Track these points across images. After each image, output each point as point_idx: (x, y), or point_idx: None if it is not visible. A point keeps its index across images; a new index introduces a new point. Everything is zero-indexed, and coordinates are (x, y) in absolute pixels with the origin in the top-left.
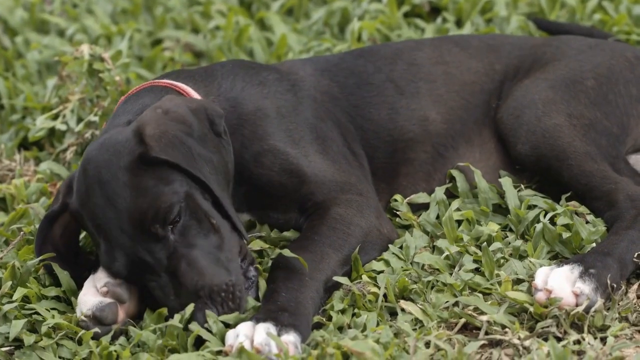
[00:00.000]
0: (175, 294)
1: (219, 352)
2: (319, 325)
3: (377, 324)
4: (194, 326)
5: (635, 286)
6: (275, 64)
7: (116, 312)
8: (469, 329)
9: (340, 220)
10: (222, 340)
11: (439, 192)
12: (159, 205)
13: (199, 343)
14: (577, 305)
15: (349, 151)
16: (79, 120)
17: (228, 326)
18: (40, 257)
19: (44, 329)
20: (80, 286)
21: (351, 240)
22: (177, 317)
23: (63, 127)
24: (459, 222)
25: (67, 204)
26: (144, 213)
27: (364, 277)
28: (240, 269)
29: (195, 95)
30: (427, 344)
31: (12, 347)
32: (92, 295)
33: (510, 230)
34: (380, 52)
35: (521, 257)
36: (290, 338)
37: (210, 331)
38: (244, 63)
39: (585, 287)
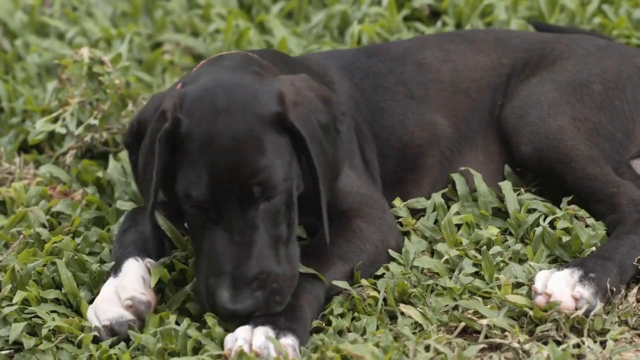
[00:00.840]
0: (235, 261)
1: (218, 356)
2: (318, 330)
3: (377, 328)
4: (193, 331)
5: (635, 290)
6: (304, 59)
7: (133, 329)
8: (469, 333)
9: (358, 235)
10: (221, 344)
11: (437, 196)
12: (271, 174)
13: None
14: (576, 309)
15: (363, 162)
16: (79, 123)
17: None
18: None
19: (43, 332)
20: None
21: (362, 256)
22: (172, 317)
23: (63, 131)
24: (459, 226)
25: (179, 120)
26: (256, 171)
27: (364, 282)
28: (297, 268)
29: None
30: (427, 348)
31: (12, 351)
32: (112, 304)
33: (510, 234)
34: (390, 51)
35: (521, 261)
36: (289, 341)
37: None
38: (292, 62)
39: (585, 291)
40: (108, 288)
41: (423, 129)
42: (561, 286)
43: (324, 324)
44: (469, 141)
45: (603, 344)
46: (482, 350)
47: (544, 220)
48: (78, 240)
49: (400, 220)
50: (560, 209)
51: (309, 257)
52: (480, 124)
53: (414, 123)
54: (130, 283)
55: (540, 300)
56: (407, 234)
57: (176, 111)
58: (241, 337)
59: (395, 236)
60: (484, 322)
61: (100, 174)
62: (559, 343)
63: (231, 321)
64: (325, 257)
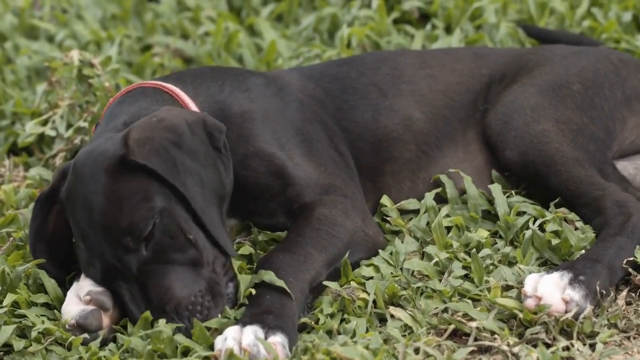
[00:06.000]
0: (145, 306)
1: (207, 358)
2: (305, 326)
3: (367, 330)
4: (181, 338)
5: (624, 293)
6: (266, 72)
7: (100, 319)
8: (458, 335)
9: (324, 221)
10: (209, 347)
11: (429, 198)
12: (132, 220)
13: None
14: (566, 312)
15: (336, 153)
16: (69, 126)
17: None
18: (32, 263)
19: (33, 334)
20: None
21: (335, 241)
22: (162, 321)
23: (52, 133)
24: (449, 229)
25: (58, 188)
26: (116, 224)
27: (353, 283)
28: (214, 279)
29: (184, 96)
30: (417, 350)
31: (2, 353)
32: (74, 304)
33: (500, 236)
34: (364, 59)
35: (510, 264)
36: (278, 339)
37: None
38: (232, 70)
39: (575, 294)
40: (69, 293)
41: (397, 122)
42: (551, 289)
43: (312, 322)
44: (448, 137)
45: (592, 346)
46: (471, 352)
47: (534, 223)
48: None
49: (389, 219)
50: (550, 212)
51: (282, 253)
52: (459, 123)
53: (387, 118)
54: (86, 282)
55: (530, 303)
56: (397, 233)
57: (58, 180)
58: (230, 337)
59: (362, 216)
60: (473, 324)
61: None
62: (548, 346)
63: None
64: (299, 250)
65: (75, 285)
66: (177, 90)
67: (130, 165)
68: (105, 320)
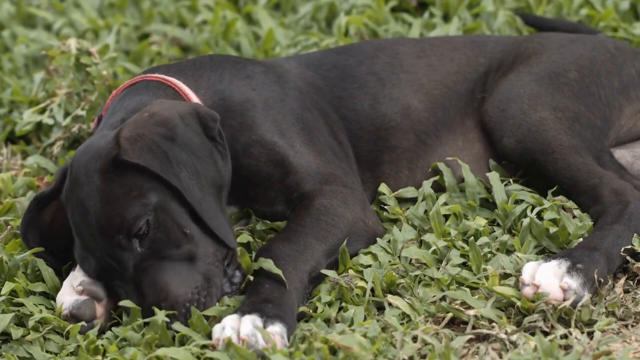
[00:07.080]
0: (140, 305)
1: (205, 346)
2: (303, 315)
3: (365, 319)
4: (178, 327)
5: (622, 281)
6: (264, 61)
7: (93, 308)
8: (456, 324)
9: (324, 212)
10: (207, 335)
11: (427, 186)
12: (124, 217)
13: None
14: (564, 300)
15: (335, 141)
16: (66, 114)
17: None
18: (30, 252)
19: (31, 323)
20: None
21: (335, 232)
22: (160, 314)
23: (50, 121)
24: (446, 217)
25: (59, 190)
26: (109, 222)
27: (351, 271)
28: (215, 273)
29: (187, 90)
30: (415, 339)
31: (0, 341)
32: (68, 294)
33: (498, 224)
34: (362, 47)
35: (508, 252)
36: (276, 329)
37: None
38: (230, 57)
39: (573, 282)
40: (65, 282)
41: (396, 111)
42: (549, 277)
43: (310, 310)
44: (447, 126)
45: (590, 334)
46: (469, 340)
47: (532, 211)
48: None
49: (387, 208)
50: (548, 200)
51: (282, 243)
52: (457, 112)
53: (386, 106)
54: (80, 272)
55: (528, 291)
56: (395, 221)
57: (60, 181)
58: (229, 326)
59: (362, 206)
60: (471, 312)
61: None
62: (546, 334)
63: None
64: (299, 240)
65: (71, 275)
66: (179, 84)
67: (123, 164)
68: (99, 309)
